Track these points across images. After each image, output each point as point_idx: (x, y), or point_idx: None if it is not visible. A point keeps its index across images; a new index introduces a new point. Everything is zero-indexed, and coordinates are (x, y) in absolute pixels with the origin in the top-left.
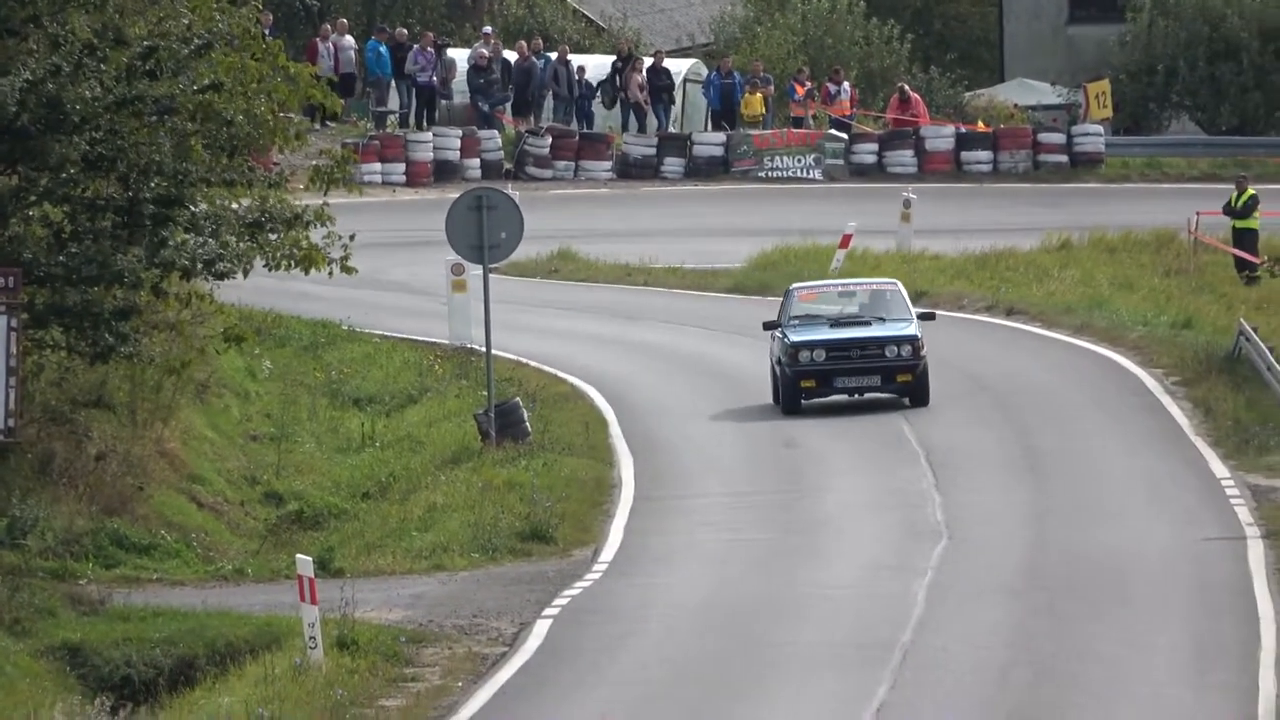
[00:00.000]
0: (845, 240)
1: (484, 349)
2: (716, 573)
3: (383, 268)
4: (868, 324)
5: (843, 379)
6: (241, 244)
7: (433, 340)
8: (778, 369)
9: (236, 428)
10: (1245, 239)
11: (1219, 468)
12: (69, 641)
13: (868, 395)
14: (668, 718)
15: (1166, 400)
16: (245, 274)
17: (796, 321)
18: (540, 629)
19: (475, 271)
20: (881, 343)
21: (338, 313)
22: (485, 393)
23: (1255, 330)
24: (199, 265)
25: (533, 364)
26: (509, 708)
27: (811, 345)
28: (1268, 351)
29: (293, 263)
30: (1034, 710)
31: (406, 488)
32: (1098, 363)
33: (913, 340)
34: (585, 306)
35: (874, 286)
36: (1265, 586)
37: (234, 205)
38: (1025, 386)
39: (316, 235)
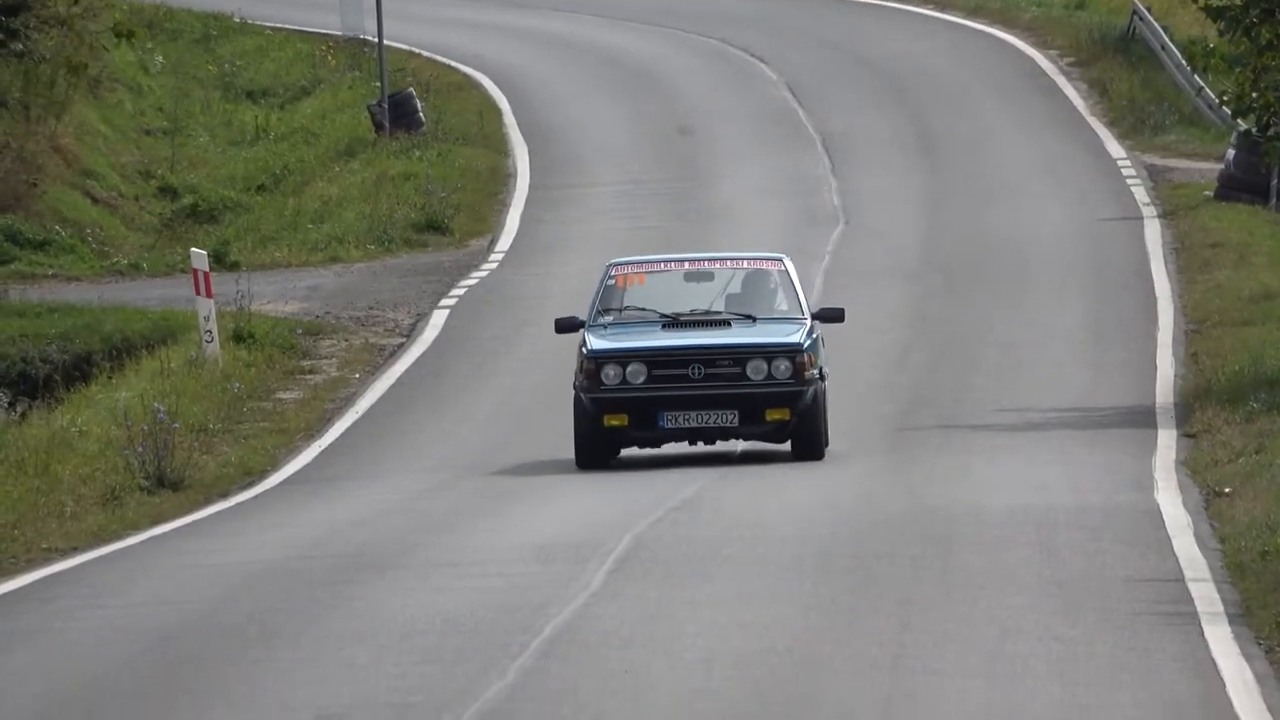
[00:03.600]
0: None
1: (376, 39)
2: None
3: None
4: (725, 325)
5: (673, 414)
6: None
7: (325, 31)
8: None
9: (130, 122)
10: None
11: (1115, 148)
12: None
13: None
14: (568, 403)
15: (1061, 81)
16: None
17: (610, 319)
18: (437, 319)
19: None
20: (742, 354)
21: (228, 5)
22: (378, 84)
23: (1149, 9)
24: None
25: (425, 54)
26: (406, 398)
27: (623, 357)
28: (1162, 31)
29: None
30: (933, 391)
31: (301, 180)
32: (992, 45)
33: (794, 353)
34: None
35: (746, 265)
36: (1162, 266)
37: None
38: (919, 70)
39: None
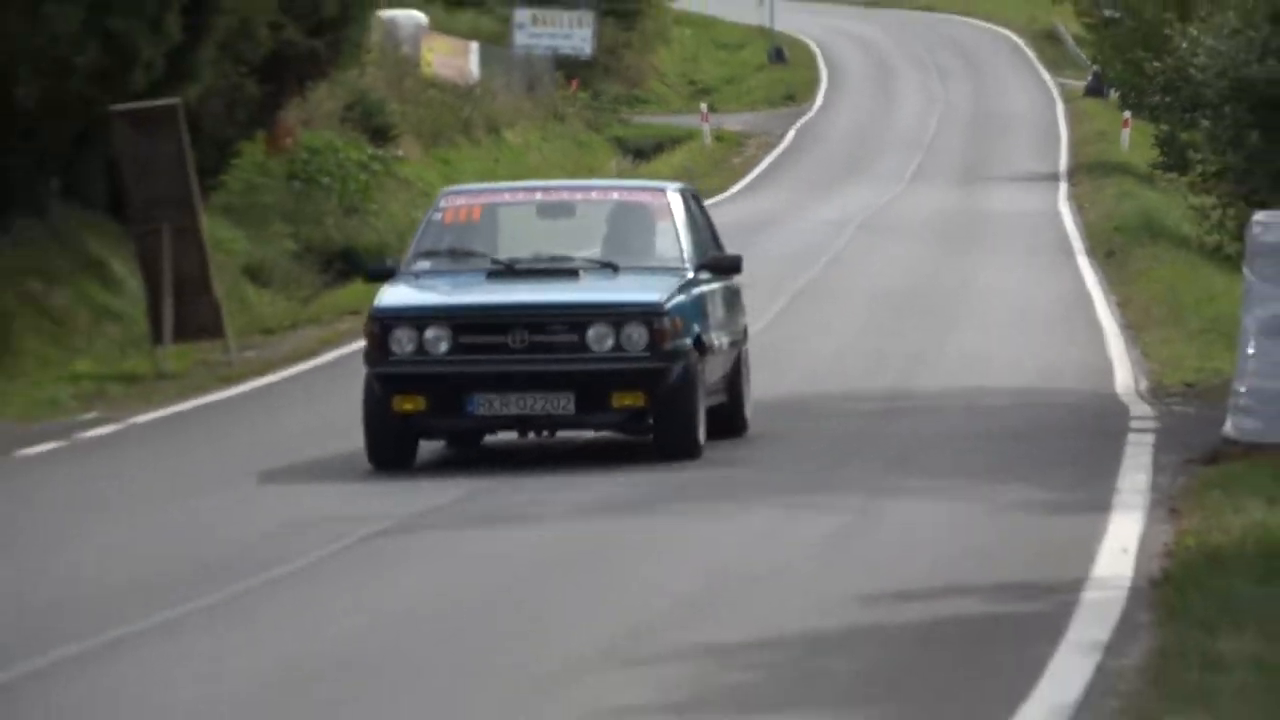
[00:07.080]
0: None
1: None
2: None
3: None
4: (570, 276)
5: (487, 396)
6: None
7: None
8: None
9: None
10: None
11: (1047, 75)
12: None
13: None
14: None
15: (1028, 50)
16: None
17: (427, 266)
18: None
19: None
20: (580, 316)
21: None
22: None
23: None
24: None
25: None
26: None
27: (419, 317)
28: (1068, 35)
29: None
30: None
31: None
32: (990, 35)
33: (651, 315)
34: None
35: (616, 197)
36: (1062, 119)
37: None
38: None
39: None
